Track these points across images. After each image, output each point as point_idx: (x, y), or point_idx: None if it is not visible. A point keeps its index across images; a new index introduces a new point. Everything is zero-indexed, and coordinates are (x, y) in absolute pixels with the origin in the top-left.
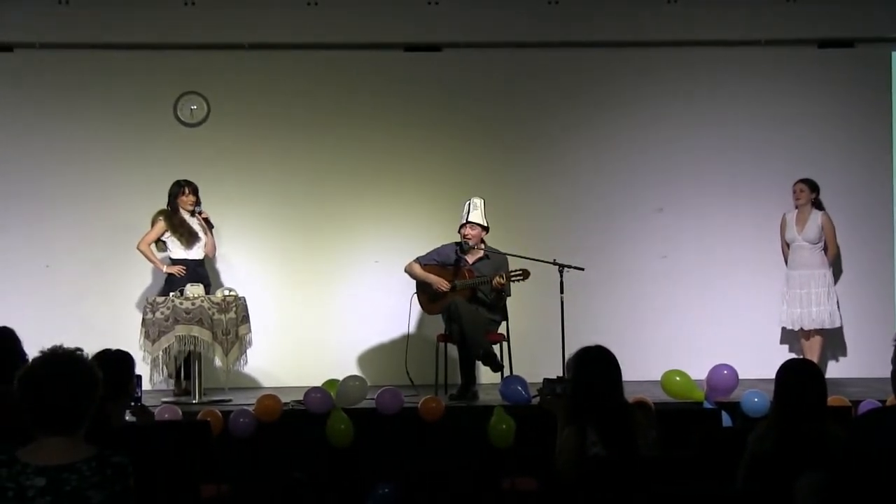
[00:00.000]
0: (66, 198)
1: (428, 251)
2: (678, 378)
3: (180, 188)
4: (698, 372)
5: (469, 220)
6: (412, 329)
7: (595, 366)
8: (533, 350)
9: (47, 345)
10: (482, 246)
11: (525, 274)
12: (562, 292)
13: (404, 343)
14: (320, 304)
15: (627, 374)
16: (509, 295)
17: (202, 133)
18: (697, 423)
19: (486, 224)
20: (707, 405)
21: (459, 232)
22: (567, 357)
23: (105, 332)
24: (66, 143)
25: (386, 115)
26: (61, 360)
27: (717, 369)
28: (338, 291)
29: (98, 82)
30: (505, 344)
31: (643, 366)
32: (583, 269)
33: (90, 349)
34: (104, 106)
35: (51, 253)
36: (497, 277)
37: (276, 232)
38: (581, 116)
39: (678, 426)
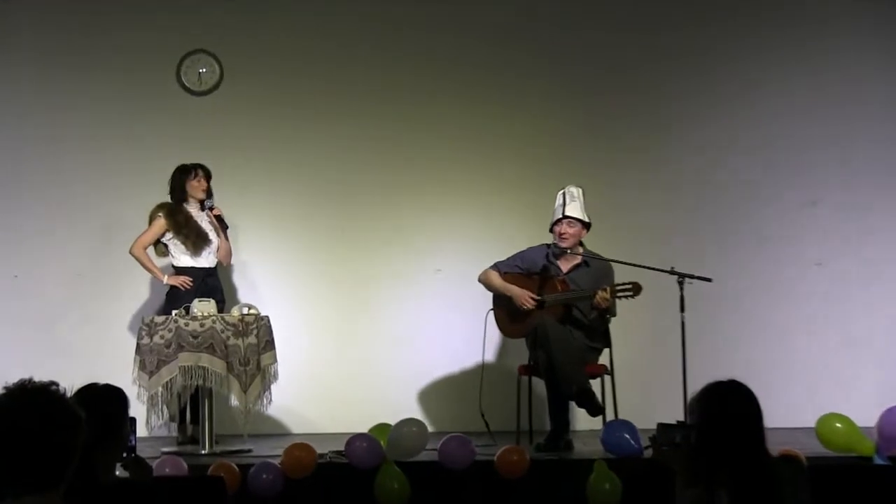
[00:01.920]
0: (38, 189)
1: (510, 255)
2: (839, 425)
3: (188, 172)
4: (866, 417)
5: (566, 214)
6: (487, 357)
7: (728, 407)
8: (644, 386)
9: (14, 378)
10: (580, 250)
11: (636, 289)
12: (682, 310)
13: (477, 376)
14: (366, 325)
15: (771, 419)
16: (614, 315)
17: (213, 103)
18: (866, 483)
19: (587, 220)
20: (878, 460)
21: (552, 231)
22: (690, 396)
23: (89, 362)
24: (39, 118)
25: (450, 78)
26: (32, 397)
27: (891, 413)
28: (389, 309)
29: (77, 39)
30: (607, 378)
31: (793, 408)
32: (710, 280)
33: (70, 383)
34: (87, 69)
35: (19, 260)
36: (600, 292)
37: (309, 233)
38: (708, 79)
39: (839, 487)
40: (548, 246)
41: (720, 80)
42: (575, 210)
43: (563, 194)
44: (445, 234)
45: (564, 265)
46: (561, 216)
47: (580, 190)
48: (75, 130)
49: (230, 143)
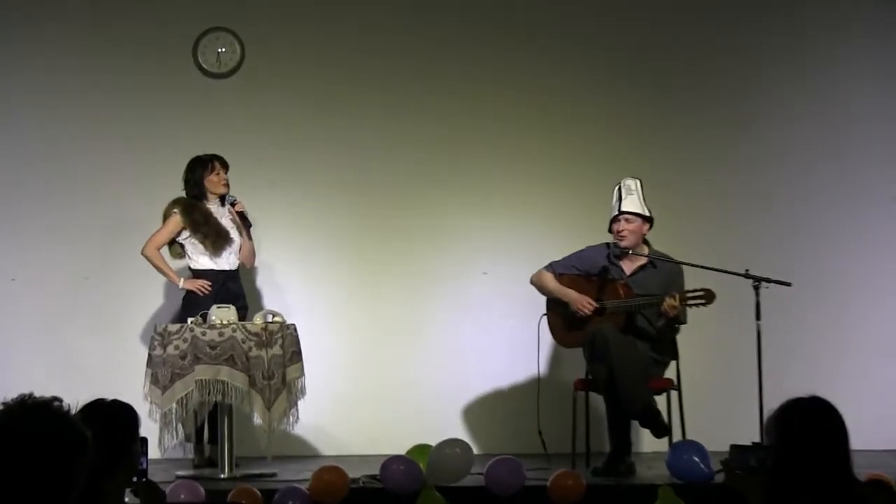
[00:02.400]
0: (41, 187)
1: (566, 255)
2: None
3: (205, 166)
4: None
5: (623, 209)
6: (544, 370)
7: (809, 427)
8: (715, 404)
9: (13, 393)
10: (646, 249)
11: (709, 296)
12: (758, 318)
13: (528, 390)
14: (404, 334)
15: (857, 440)
16: (684, 322)
17: (233, 87)
18: None
19: (647, 213)
20: None
21: (610, 230)
22: (766, 414)
23: (95, 375)
24: (38, 109)
25: (499, 69)
26: (33, 414)
27: None
28: (429, 316)
29: (82, 17)
30: (674, 395)
31: (881, 428)
32: (789, 285)
33: (75, 399)
34: (92, 52)
35: (19, 261)
36: (668, 299)
37: (341, 232)
38: (792, 71)
39: None
40: (608, 245)
41: (806, 75)
42: (632, 204)
43: (619, 188)
44: (492, 232)
45: (627, 267)
46: (617, 213)
47: (637, 182)
48: (81, 122)
49: (253, 132)
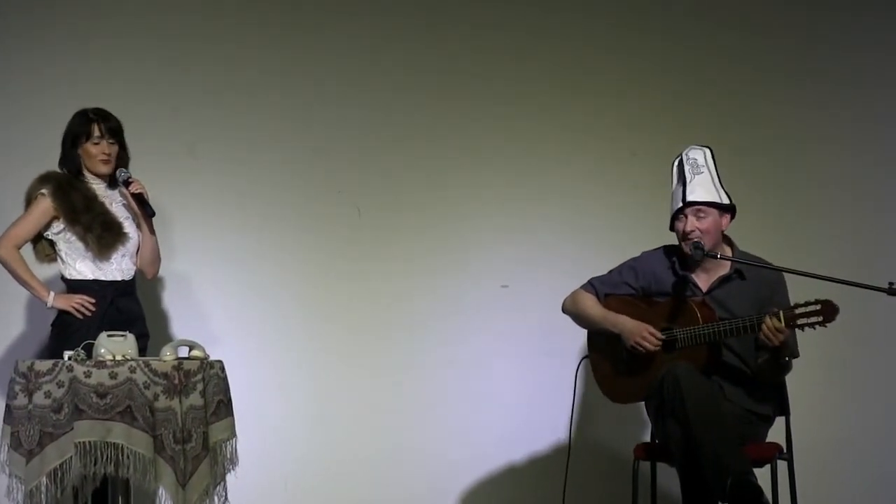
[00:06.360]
0: None
1: (612, 267)
2: None
3: (83, 123)
4: None
5: (688, 199)
6: (578, 431)
7: None
8: (840, 476)
9: None
10: (728, 251)
11: (828, 311)
12: None
13: (562, 459)
14: (385, 377)
15: None
16: (796, 356)
17: None
18: None
19: (726, 200)
20: None
21: (673, 228)
22: None
23: None
24: None
25: (546, 39)
26: None
27: None
28: (423, 350)
29: None
30: (783, 465)
31: None
32: None
33: None
34: None
35: None
36: (769, 319)
37: (294, 224)
38: None
39: None
40: (672, 249)
41: None
42: (703, 188)
43: (680, 165)
44: (516, 234)
45: (703, 279)
46: (681, 204)
47: (706, 152)
48: None
49: (163, 59)
